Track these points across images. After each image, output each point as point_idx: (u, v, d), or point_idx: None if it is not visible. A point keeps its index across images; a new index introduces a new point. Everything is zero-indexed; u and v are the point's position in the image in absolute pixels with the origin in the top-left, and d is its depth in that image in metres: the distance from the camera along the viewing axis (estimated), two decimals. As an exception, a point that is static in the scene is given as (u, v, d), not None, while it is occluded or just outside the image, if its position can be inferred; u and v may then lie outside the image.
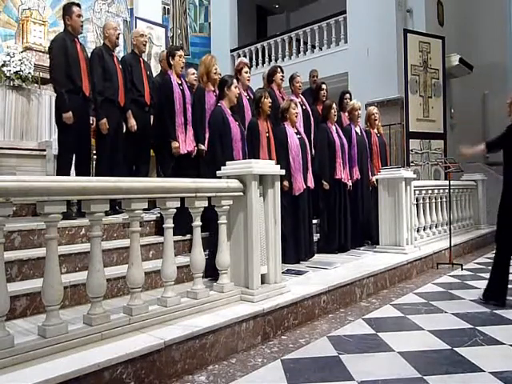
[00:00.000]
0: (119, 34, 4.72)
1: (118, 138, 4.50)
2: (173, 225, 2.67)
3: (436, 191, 6.13)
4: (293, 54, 10.93)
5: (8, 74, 6.73)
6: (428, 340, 2.82)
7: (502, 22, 10.13)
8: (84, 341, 2.14)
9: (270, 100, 4.21)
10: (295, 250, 4.41)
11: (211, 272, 3.23)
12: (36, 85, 7.15)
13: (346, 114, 5.72)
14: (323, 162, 4.96)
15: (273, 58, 11.36)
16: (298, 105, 5.05)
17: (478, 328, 3.01)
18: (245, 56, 11.62)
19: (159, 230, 3.99)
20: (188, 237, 3.90)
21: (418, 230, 5.64)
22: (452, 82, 9.60)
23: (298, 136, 4.56)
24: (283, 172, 3.27)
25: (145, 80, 4.76)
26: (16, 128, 6.79)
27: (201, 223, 2.86)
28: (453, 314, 3.36)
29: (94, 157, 4.58)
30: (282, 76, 5.17)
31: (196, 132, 4.30)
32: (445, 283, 4.43)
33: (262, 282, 3.08)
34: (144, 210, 2.51)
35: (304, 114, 5.30)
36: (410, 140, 7.96)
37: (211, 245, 3.37)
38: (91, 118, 4.37)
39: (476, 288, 4.09)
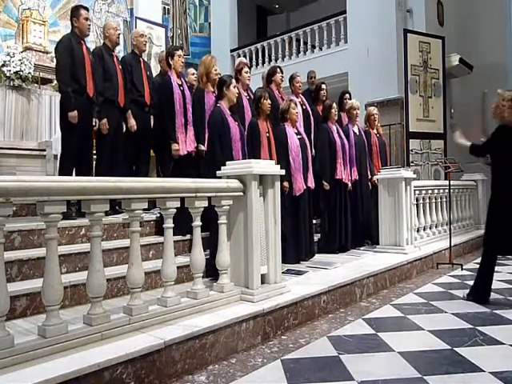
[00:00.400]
0: (119, 33, 4.72)
1: (118, 138, 4.51)
2: (173, 225, 2.67)
3: (436, 191, 6.13)
4: (293, 54, 10.93)
5: (8, 74, 6.74)
6: (428, 340, 2.82)
7: (502, 22, 10.11)
8: (84, 341, 2.14)
9: (269, 102, 4.21)
10: (295, 250, 4.41)
11: (212, 272, 3.24)
12: (36, 85, 7.17)
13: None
14: (324, 162, 4.96)
15: (273, 58, 11.35)
16: (298, 104, 5.05)
17: (478, 328, 3.01)
18: (245, 56, 11.62)
19: (159, 230, 3.99)
20: (188, 237, 3.91)
21: (418, 230, 5.63)
22: (452, 82, 9.60)
23: (299, 136, 4.56)
24: (283, 172, 3.27)
25: (145, 80, 4.76)
26: (16, 128, 6.80)
27: (201, 223, 2.86)
28: (453, 313, 3.36)
29: (94, 157, 4.58)
30: (282, 76, 5.17)
31: (196, 133, 4.30)
32: (445, 283, 4.43)
33: (262, 282, 3.08)
34: (144, 210, 2.51)
35: (304, 114, 5.30)
36: (410, 140, 7.95)
37: (211, 245, 3.37)
38: (94, 119, 4.37)
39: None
